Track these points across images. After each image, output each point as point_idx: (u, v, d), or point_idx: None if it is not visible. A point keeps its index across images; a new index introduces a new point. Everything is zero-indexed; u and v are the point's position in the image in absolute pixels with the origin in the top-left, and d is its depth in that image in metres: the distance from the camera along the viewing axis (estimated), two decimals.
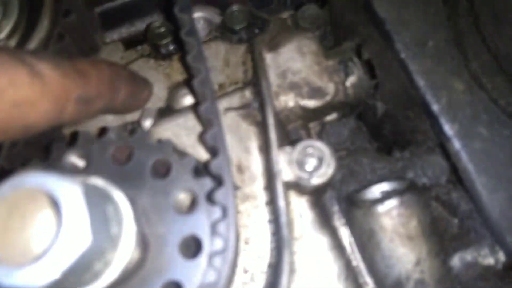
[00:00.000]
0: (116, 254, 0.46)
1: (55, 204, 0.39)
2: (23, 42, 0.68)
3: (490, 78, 0.80)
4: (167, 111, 0.83)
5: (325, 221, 0.72)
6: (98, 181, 0.47)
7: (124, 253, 0.47)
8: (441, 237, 0.70)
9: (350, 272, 0.70)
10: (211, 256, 0.56)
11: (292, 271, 0.67)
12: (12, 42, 0.69)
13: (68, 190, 0.39)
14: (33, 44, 0.67)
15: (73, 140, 0.60)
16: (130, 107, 0.76)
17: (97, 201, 0.42)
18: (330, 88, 0.80)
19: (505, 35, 0.72)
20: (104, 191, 0.47)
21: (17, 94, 0.48)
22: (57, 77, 0.53)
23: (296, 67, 0.81)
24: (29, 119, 0.50)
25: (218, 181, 0.60)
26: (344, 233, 0.73)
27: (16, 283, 0.37)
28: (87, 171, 0.58)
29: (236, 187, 0.73)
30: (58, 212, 0.39)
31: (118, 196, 0.49)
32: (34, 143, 0.65)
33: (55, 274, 0.37)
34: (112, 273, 0.46)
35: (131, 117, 0.82)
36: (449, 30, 0.75)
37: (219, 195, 0.59)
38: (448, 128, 0.68)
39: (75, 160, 0.59)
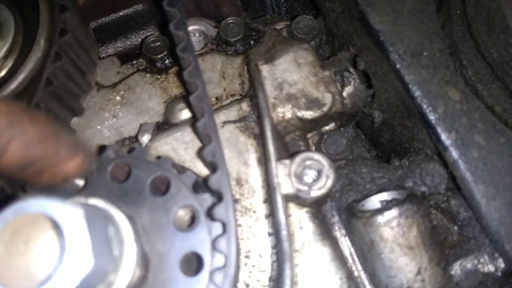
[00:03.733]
0: (118, 275, 0.46)
1: (57, 228, 0.39)
2: (19, 62, 0.68)
3: (486, 85, 0.81)
4: (164, 125, 0.83)
5: (325, 232, 0.73)
6: (98, 202, 0.47)
7: (126, 273, 0.46)
8: (441, 245, 0.70)
9: (351, 283, 0.70)
10: (212, 272, 0.56)
11: (294, 283, 0.67)
12: (9, 63, 0.69)
13: (69, 214, 0.39)
14: (30, 63, 0.67)
15: None
16: (37, 177, 0.53)
17: (98, 223, 0.42)
18: (327, 98, 0.80)
19: (498, 42, 0.73)
20: (105, 212, 0.47)
21: None
22: None
23: (292, 78, 0.81)
24: None
25: (218, 197, 0.60)
26: (345, 244, 0.73)
27: None
28: (87, 189, 0.58)
29: (235, 200, 0.73)
30: (60, 236, 0.39)
31: (119, 216, 0.49)
32: None
33: None
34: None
35: (128, 132, 0.83)
36: (443, 39, 0.76)
37: (219, 210, 0.59)
38: (445, 138, 0.69)
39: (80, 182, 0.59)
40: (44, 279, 0.38)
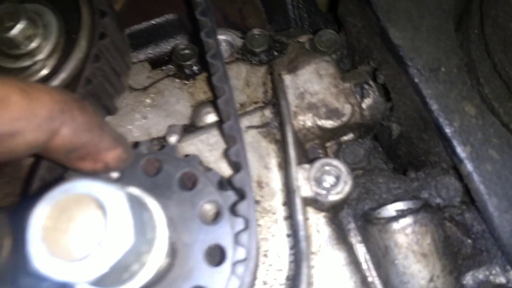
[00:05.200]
0: (151, 257, 0.49)
1: (101, 208, 0.43)
2: (62, 62, 0.73)
3: (502, 103, 0.84)
4: (190, 128, 0.87)
5: (341, 237, 0.75)
6: (134, 190, 0.50)
7: (158, 256, 0.50)
8: (454, 255, 0.72)
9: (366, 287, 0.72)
10: (234, 264, 0.59)
11: (309, 284, 0.70)
12: (52, 62, 0.75)
13: (114, 196, 0.43)
14: (72, 63, 0.72)
15: None
16: (80, 162, 0.58)
17: (136, 207, 0.45)
18: (347, 109, 0.84)
19: None
20: (140, 199, 0.51)
21: None
22: None
23: (313, 88, 0.85)
24: None
25: (241, 195, 0.64)
26: (360, 250, 0.75)
27: (66, 277, 0.41)
28: (121, 181, 0.62)
29: (256, 202, 0.76)
30: (104, 215, 0.42)
31: (152, 204, 0.53)
32: None
33: (103, 269, 0.41)
34: (146, 274, 0.49)
35: (156, 132, 0.87)
36: (461, 56, 0.79)
37: (242, 207, 0.62)
38: (460, 151, 0.71)
39: (114, 175, 0.63)
40: (87, 254, 0.42)
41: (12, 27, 0.72)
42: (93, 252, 0.41)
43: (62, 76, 0.72)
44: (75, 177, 0.58)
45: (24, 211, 0.62)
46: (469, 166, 0.70)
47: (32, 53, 0.75)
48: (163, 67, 0.97)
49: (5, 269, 0.72)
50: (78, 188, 0.44)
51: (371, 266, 0.73)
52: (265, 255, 0.73)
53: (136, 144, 0.67)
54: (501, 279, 0.69)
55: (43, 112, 0.50)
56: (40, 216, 0.44)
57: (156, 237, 0.51)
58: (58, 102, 0.51)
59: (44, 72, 0.75)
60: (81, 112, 0.54)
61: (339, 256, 0.73)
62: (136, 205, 0.47)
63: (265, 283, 0.71)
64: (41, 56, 0.75)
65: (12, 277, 0.69)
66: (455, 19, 0.90)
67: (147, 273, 0.51)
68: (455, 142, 0.72)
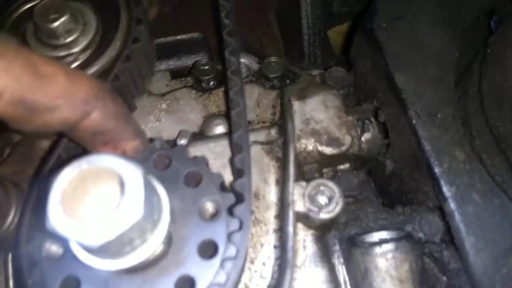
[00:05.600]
0: (153, 236, 0.54)
1: (118, 181, 0.48)
2: (94, 57, 0.81)
3: (490, 155, 0.90)
4: (200, 136, 0.93)
5: (325, 256, 0.80)
6: (147, 175, 0.56)
7: (158, 237, 0.55)
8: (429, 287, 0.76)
9: None
10: (224, 260, 0.63)
11: None
12: (85, 56, 0.82)
13: (132, 172, 0.48)
14: (104, 58, 0.79)
15: None
16: (102, 146, 0.64)
17: (148, 188, 0.51)
18: (347, 140, 0.90)
19: (505, 118, 0.82)
20: (152, 183, 0.56)
21: None
22: None
23: (319, 117, 0.92)
24: None
25: (240, 198, 0.69)
26: (341, 271, 0.80)
27: (78, 238, 0.46)
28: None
29: (250, 211, 0.81)
30: (122, 187, 0.48)
31: (161, 191, 0.58)
32: None
33: (112, 235, 0.46)
34: (144, 252, 0.54)
35: (167, 135, 0.93)
36: (457, 107, 0.86)
37: (239, 210, 0.67)
38: (446, 190, 0.77)
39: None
40: (101, 220, 0.47)
41: (55, 20, 0.79)
42: (106, 218, 0.46)
43: (92, 70, 0.79)
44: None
45: (41, 184, 0.68)
46: (452, 205, 0.75)
47: (68, 45, 0.82)
48: (182, 79, 1.04)
49: (8, 236, 0.77)
50: (102, 162, 0.49)
51: (348, 287, 0.77)
52: (252, 262, 0.78)
53: (151, 140, 0.72)
54: None
55: (81, 95, 0.56)
56: (63, 181, 0.49)
57: (160, 220, 0.56)
58: (95, 88, 0.58)
59: (76, 64, 0.82)
60: (112, 102, 0.60)
61: (321, 274, 0.77)
62: (149, 186, 0.52)
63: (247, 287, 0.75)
64: (76, 49, 0.82)
65: (15, 244, 0.74)
66: (457, 74, 0.98)
67: (145, 251, 0.56)
68: (442, 182, 0.77)
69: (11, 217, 0.77)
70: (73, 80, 0.56)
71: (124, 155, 0.65)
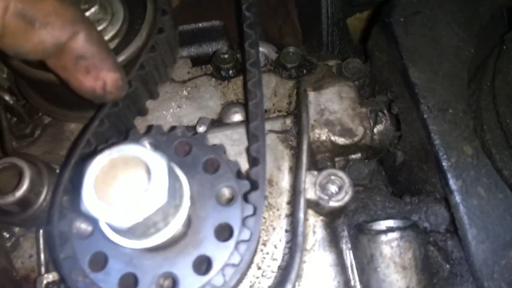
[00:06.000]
0: (174, 220, 0.60)
1: (145, 169, 0.53)
2: (122, 47, 0.85)
3: (499, 150, 0.93)
4: (218, 123, 0.98)
5: (334, 241, 0.84)
6: (170, 163, 0.61)
7: (179, 219, 0.60)
8: (431, 274, 0.80)
9: None
10: (238, 242, 0.69)
11: (298, 275, 0.79)
12: (112, 45, 0.86)
13: (157, 161, 0.53)
14: (131, 49, 0.84)
15: (147, 131, 0.75)
16: (84, 75, 0.69)
17: (171, 175, 0.55)
18: (360, 131, 0.93)
19: None
20: (174, 170, 0.61)
21: None
22: None
23: (333, 107, 0.95)
24: None
25: (254, 185, 0.74)
26: (348, 256, 0.85)
27: (108, 219, 0.51)
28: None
29: (264, 198, 0.86)
30: (148, 175, 0.53)
31: (182, 177, 0.63)
32: (116, 127, 0.81)
33: (139, 218, 0.51)
34: (166, 234, 0.60)
35: (187, 121, 0.98)
36: (469, 103, 0.88)
37: (253, 196, 0.72)
38: (452, 183, 0.80)
39: (146, 145, 0.73)
40: (131, 202, 0.52)
41: (86, 10, 0.83)
42: (134, 203, 0.51)
43: (119, 59, 0.83)
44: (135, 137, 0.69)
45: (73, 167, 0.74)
46: (457, 197, 0.79)
47: None
48: (202, 66, 1.08)
49: (40, 214, 0.84)
50: (130, 151, 0.54)
51: (355, 271, 0.82)
52: (264, 244, 0.83)
53: (172, 128, 0.77)
54: None
55: (69, 15, 0.65)
56: (95, 167, 0.55)
57: (181, 205, 0.61)
58: (80, 12, 0.68)
59: None
60: (95, 29, 0.70)
61: (329, 257, 0.82)
62: (172, 173, 0.57)
63: (259, 268, 0.81)
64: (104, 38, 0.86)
65: (47, 221, 0.80)
66: (471, 70, 1.00)
67: (167, 233, 0.61)
68: (449, 175, 0.81)
69: (44, 195, 0.84)
70: (61, 3, 0.65)
71: (105, 90, 0.72)
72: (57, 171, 0.89)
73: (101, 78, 0.70)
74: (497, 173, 0.86)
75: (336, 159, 0.96)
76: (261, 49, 1.11)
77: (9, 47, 0.64)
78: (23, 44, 0.64)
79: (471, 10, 0.99)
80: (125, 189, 0.57)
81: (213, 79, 1.04)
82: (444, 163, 0.82)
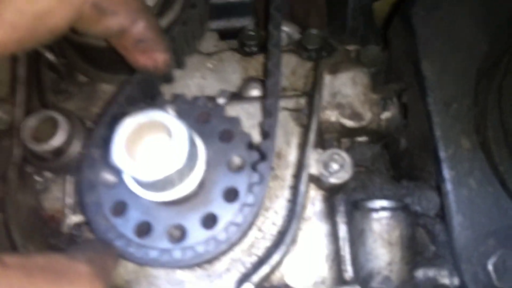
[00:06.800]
0: (189, 180, 0.69)
1: (168, 133, 0.62)
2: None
3: (498, 146, 0.97)
4: (237, 96, 1.05)
5: (330, 214, 0.93)
6: (190, 130, 0.69)
7: (194, 180, 0.69)
8: (415, 253, 0.88)
9: (337, 258, 0.90)
10: (243, 205, 0.78)
11: (294, 241, 0.88)
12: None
13: (179, 127, 0.61)
14: (163, 21, 0.91)
15: (173, 99, 0.84)
16: (140, 54, 0.82)
17: (191, 141, 0.64)
18: (368, 116, 1.00)
19: None
20: (193, 137, 0.70)
21: (35, 8, 0.63)
22: None
23: (346, 92, 1.01)
24: (51, 25, 0.66)
25: (263, 157, 0.82)
26: (342, 229, 0.92)
27: (133, 173, 0.60)
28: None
29: (271, 168, 0.94)
30: (171, 139, 0.61)
31: (199, 144, 0.71)
32: (145, 92, 0.89)
33: (161, 175, 0.60)
34: (182, 191, 0.69)
35: (208, 92, 1.05)
36: (473, 98, 0.93)
37: (261, 166, 0.80)
38: (446, 173, 0.87)
39: (170, 112, 0.82)
40: (153, 161, 0.61)
41: None
42: (157, 162, 0.60)
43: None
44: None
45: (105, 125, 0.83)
46: (449, 186, 0.85)
47: None
48: (228, 41, 1.15)
49: (69, 162, 0.94)
50: (155, 116, 0.63)
51: (346, 243, 0.90)
52: (266, 210, 0.92)
53: (195, 97, 0.85)
54: (446, 281, 0.85)
55: (134, 5, 0.77)
56: (125, 127, 0.63)
57: (197, 167, 0.70)
58: (142, 2, 0.80)
59: None
60: (154, 17, 0.82)
61: (324, 228, 0.91)
62: (191, 139, 0.66)
63: (260, 230, 0.90)
64: None
65: (78, 169, 0.91)
66: (486, 67, 1.03)
67: (182, 190, 0.70)
68: (444, 165, 0.87)
69: (76, 146, 0.94)
70: None
71: (155, 68, 0.84)
72: (88, 126, 0.99)
73: (153, 58, 0.83)
74: (493, 168, 0.91)
75: (343, 140, 1.03)
76: (285, 28, 1.17)
77: (82, 29, 0.76)
78: (94, 28, 0.75)
79: (491, 8, 1.01)
80: (149, 149, 0.66)
81: (237, 55, 1.10)
82: (441, 154, 0.88)
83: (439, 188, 0.92)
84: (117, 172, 0.78)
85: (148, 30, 0.78)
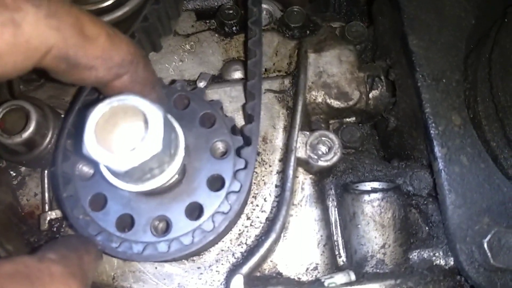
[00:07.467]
0: (169, 167, 0.64)
1: (142, 119, 0.57)
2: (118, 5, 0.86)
3: (489, 121, 0.95)
4: (218, 79, 1.00)
5: (320, 198, 0.89)
6: (168, 115, 0.64)
7: (174, 168, 0.65)
8: (409, 235, 0.86)
9: (329, 243, 0.87)
10: (229, 193, 0.73)
11: (284, 228, 0.85)
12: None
13: (155, 111, 0.56)
14: (134, 1, 0.85)
15: None
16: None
17: (167, 126, 0.59)
18: (355, 95, 0.96)
19: (507, 89, 0.87)
20: (171, 122, 0.65)
21: None
22: (39, 27, 0.51)
23: (332, 71, 0.97)
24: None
25: (247, 141, 0.78)
26: (333, 213, 0.90)
27: (107, 163, 0.56)
28: None
29: (257, 153, 0.90)
30: (145, 124, 0.56)
31: (178, 129, 0.67)
32: None
33: (135, 163, 0.55)
34: (162, 179, 0.64)
35: (189, 76, 1.00)
36: (462, 72, 0.90)
37: (246, 151, 0.76)
38: (437, 150, 0.84)
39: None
40: (128, 149, 0.56)
41: None
42: (131, 149, 0.55)
43: (123, 10, 0.85)
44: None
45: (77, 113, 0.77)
46: (440, 164, 0.83)
47: None
48: (206, 21, 1.09)
49: (45, 155, 0.88)
50: (130, 101, 0.58)
51: (338, 227, 0.87)
52: (254, 197, 0.88)
53: (173, 82, 0.80)
54: (441, 261, 0.83)
55: (117, 59, 0.61)
56: (97, 114, 0.58)
57: (176, 154, 0.65)
58: (131, 54, 0.62)
59: (108, 3, 0.88)
60: (143, 68, 0.65)
61: (314, 213, 0.87)
62: (168, 124, 0.61)
63: (248, 218, 0.86)
64: None
65: (52, 162, 0.85)
66: (473, 41, 1.00)
67: (162, 179, 0.66)
68: (435, 143, 0.84)
69: (49, 137, 0.88)
70: (113, 43, 0.60)
71: None
72: (62, 115, 0.93)
73: None
74: (484, 144, 0.89)
75: (331, 121, 1.00)
76: (265, 6, 1.11)
77: (51, 75, 0.62)
78: (66, 78, 0.62)
79: None
80: (124, 136, 0.61)
81: (216, 35, 1.05)
82: (431, 131, 0.85)
83: (430, 167, 0.90)
84: (93, 163, 0.73)
85: (134, 84, 0.65)
